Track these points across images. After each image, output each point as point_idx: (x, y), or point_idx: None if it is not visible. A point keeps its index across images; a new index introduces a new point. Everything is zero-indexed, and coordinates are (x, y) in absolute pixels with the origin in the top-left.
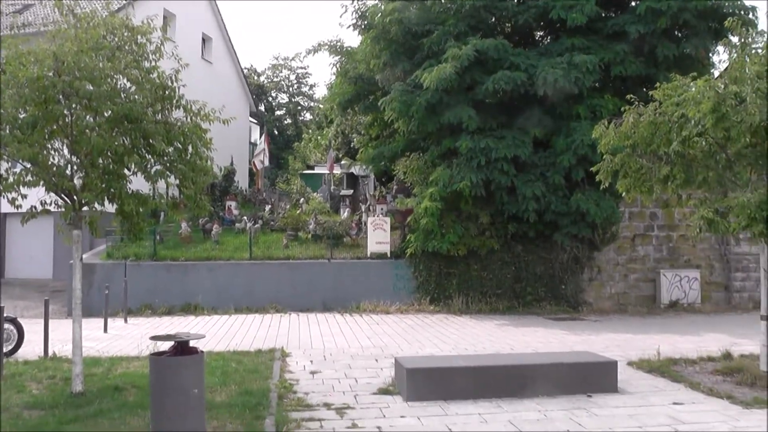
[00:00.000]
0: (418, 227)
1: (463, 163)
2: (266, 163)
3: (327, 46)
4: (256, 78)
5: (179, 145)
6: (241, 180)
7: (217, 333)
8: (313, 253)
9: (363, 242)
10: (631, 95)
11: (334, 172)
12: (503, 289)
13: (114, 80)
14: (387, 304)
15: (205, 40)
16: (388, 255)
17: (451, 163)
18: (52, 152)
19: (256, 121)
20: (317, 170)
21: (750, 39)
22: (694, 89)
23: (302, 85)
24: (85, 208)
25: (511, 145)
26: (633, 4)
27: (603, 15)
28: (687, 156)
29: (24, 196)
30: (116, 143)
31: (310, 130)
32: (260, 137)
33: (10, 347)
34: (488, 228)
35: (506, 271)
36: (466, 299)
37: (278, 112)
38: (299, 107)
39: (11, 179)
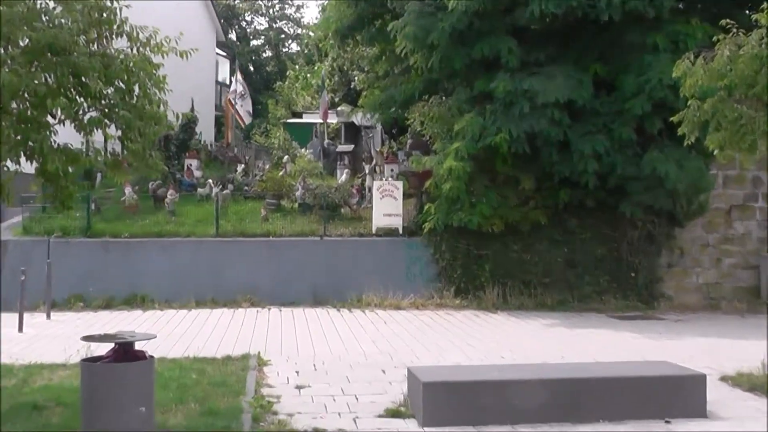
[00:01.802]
0: (440, 194)
1: (499, 110)
2: (247, 113)
3: None
4: None
5: (121, 85)
6: (205, 131)
7: (173, 333)
8: (300, 228)
9: (367, 214)
10: (727, 20)
11: (329, 121)
12: (552, 277)
13: None
14: (398, 297)
15: None
16: (400, 231)
17: (484, 110)
18: None
19: (225, 54)
20: (306, 119)
21: None
22: None
23: (287, 6)
24: None
25: (564, 86)
26: None
27: None
28: None
29: None
30: (36, 82)
31: (297, 66)
32: (234, 75)
33: None
34: (533, 196)
35: (556, 253)
36: (502, 290)
37: (255, 42)
38: (282, 36)
39: None
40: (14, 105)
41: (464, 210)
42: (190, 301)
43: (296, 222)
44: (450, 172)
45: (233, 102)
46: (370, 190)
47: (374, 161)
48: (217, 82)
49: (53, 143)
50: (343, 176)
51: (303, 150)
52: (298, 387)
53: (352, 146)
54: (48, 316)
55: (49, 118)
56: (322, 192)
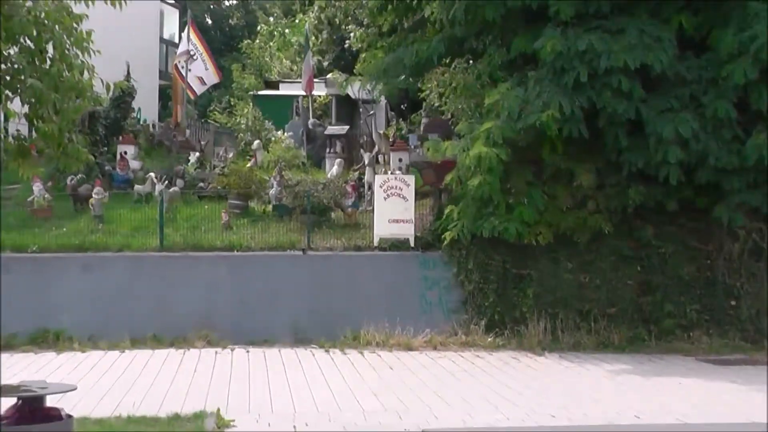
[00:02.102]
0: (466, 193)
1: (546, 78)
2: (208, 79)
3: None
4: None
5: (29, 44)
6: (146, 107)
7: (99, 383)
8: (275, 239)
9: (366, 220)
10: None
11: (315, 94)
12: (620, 306)
13: None
14: (409, 333)
15: None
16: (411, 243)
17: (526, 79)
18: None
19: (173, 3)
20: (284, 91)
21: None
22: None
23: None
24: None
25: (636, 45)
26: None
27: None
28: None
29: None
30: None
31: (272, 19)
32: (185, 31)
33: None
34: (592, 196)
35: (625, 273)
36: (551, 324)
37: None
38: None
39: None
40: None
41: (499, 215)
42: (123, 339)
43: (270, 231)
44: (479, 162)
45: (181, 67)
46: (370, 187)
47: (376, 148)
48: (162, 40)
49: None
50: (334, 169)
51: (280, 133)
52: None
53: (347, 128)
54: None
55: None
56: (305, 190)
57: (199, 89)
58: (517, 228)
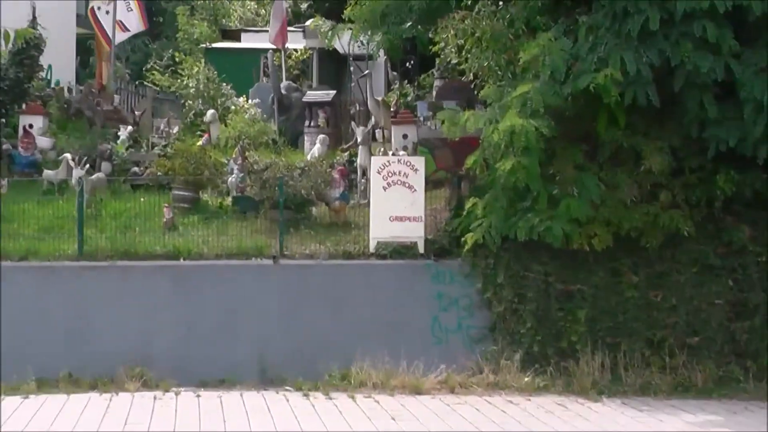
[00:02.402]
0: (493, 181)
1: (604, 24)
2: (131, 25)
3: None
4: None
5: None
6: (60, 65)
7: None
8: (236, 243)
9: (360, 218)
10: None
11: (290, 47)
12: (706, 333)
13: None
14: (417, 370)
15: None
16: (420, 249)
17: (575, 26)
18: None
19: None
20: (247, 43)
21: None
22: None
23: None
24: None
25: None
26: None
27: None
28: None
29: None
30: None
31: None
32: None
33: None
34: (665, 184)
35: (712, 288)
36: (610, 358)
37: None
38: None
39: None
40: None
41: (539, 210)
42: (26, 380)
43: (229, 232)
44: (512, 139)
45: (97, 8)
46: (365, 173)
47: (373, 120)
48: None
49: None
50: (315, 148)
51: (242, 100)
52: None
53: (333, 93)
54: None
55: None
56: (276, 177)
57: (118, 37)
58: (564, 228)
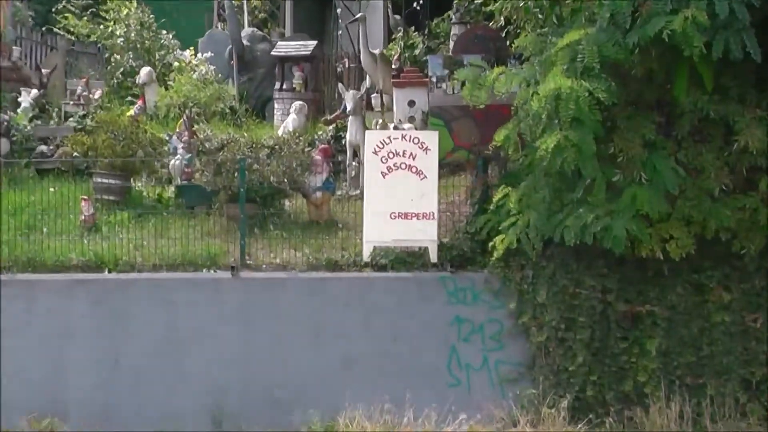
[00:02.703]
0: (532, 163)
1: None
2: None
3: None
4: None
5: None
6: None
7: None
8: (182, 250)
9: (350, 215)
10: None
11: None
12: None
13: None
14: (429, 420)
15: None
16: (433, 258)
17: None
18: None
19: None
20: None
21: None
22: None
23: None
24: None
25: None
26: None
27: None
28: None
29: None
30: None
31: None
32: None
33: None
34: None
35: None
36: (693, 405)
37: None
38: None
39: None
40: None
41: (595, 203)
42: None
43: (171, 234)
44: (557, 105)
45: None
46: (356, 154)
47: (367, 82)
48: None
49: None
50: (290, 119)
51: (188, 53)
52: None
53: (313, 45)
54: None
55: None
56: (236, 159)
57: None
58: (629, 228)
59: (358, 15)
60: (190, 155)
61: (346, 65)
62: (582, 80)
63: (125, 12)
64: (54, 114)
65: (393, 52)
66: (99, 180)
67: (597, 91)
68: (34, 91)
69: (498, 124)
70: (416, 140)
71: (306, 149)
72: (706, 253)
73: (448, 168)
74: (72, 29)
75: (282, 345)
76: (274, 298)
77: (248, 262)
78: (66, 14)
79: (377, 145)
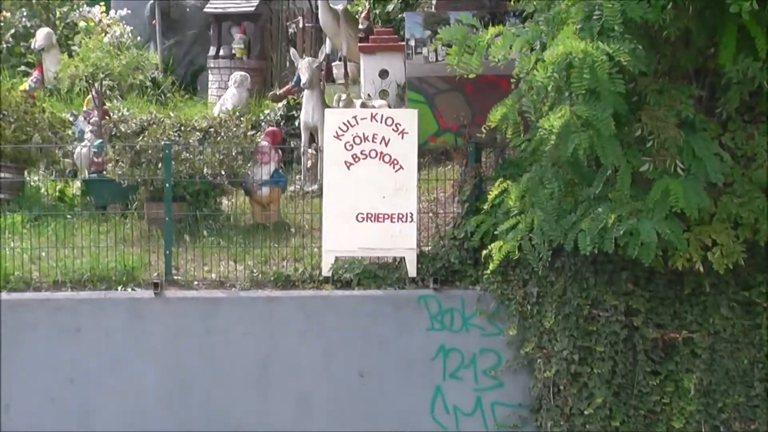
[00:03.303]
0: (536, 151)
1: None
2: None
3: None
4: None
5: None
6: None
7: None
8: (89, 262)
9: (305, 216)
10: None
11: None
12: None
13: None
14: None
15: None
16: (412, 272)
17: None
18: None
19: None
20: None
21: None
22: None
23: None
24: None
25: None
26: None
27: None
28: None
29: None
30: None
31: None
32: None
33: None
34: None
35: None
36: None
37: None
38: None
39: None
40: None
41: (616, 199)
42: None
43: (77, 242)
44: (569, 75)
45: None
46: (314, 138)
47: (327, 47)
48: None
49: None
50: (229, 95)
51: (97, 10)
52: None
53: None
54: None
55: None
56: (160, 146)
57: None
58: (661, 232)
59: None
60: (100, 141)
61: (301, 25)
62: (599, 42)
63: None
64: None
65: (360, 9)
66: None
67: (619, 54)
68: None
69: (493, 99)
70: (390, 121)
71: (249, 133)
72: (759, 264)
73: (430, 156)
74: None
75: (219, 384)
76: (208, 324)
77: (175, 277)
78: None
79: (340, 128)
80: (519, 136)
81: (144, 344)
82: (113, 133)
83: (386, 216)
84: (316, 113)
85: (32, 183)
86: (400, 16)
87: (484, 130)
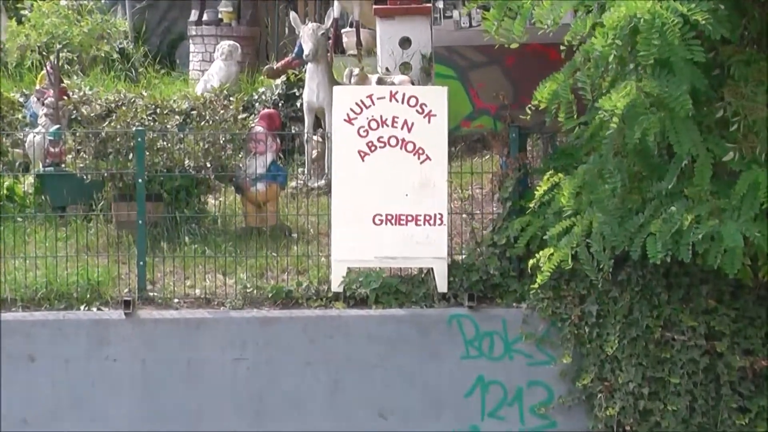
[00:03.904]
0: (595, 136)
1: None
2: None
3: None
4: None
5: None
6: None
7: None
8: (46, 276)
9: (310, 221)
10: None
11: None
12: None
13: None
14: None
15: None
16: (442, 286)
17: None
18: None
19: None
20: None
21: None
22: None
23: None
24: None
25: None
26: None
27: None
28: None
29: None
30: None
31: None
32: None
33: None
34: None
35: None
36: None
37: None
38: None
39: None
40: None
41: (694, 197)
42: None
43: (28, 251)
44: (633, 39)
45: None
46: (321, 122)
47: (335, 9)
48: None
49: None
50: (214, 70)
51: None
52: None
53: None
54: None
55: None
56: (130, 134)
57: None
58: (749, 237)
59: None
60: (57, 127)
61: None
62: (672, 0)
63: None
64: None
65: None
66: None
67: (695, 14)
68: None
69: (541, 74)
70: (413, 101)
71: (240, 116)
72: None
73: (463, 144)
74: None
75: (204, 425)
76: (191, 352)
77: (151, 294)
78: None
79: (352, 109)
80: (573, 118)
81: (112, 376)
82: (73, 116)
83: (410, 218)
84: (322, 92)
85: None
86: None
87: (530, 112)
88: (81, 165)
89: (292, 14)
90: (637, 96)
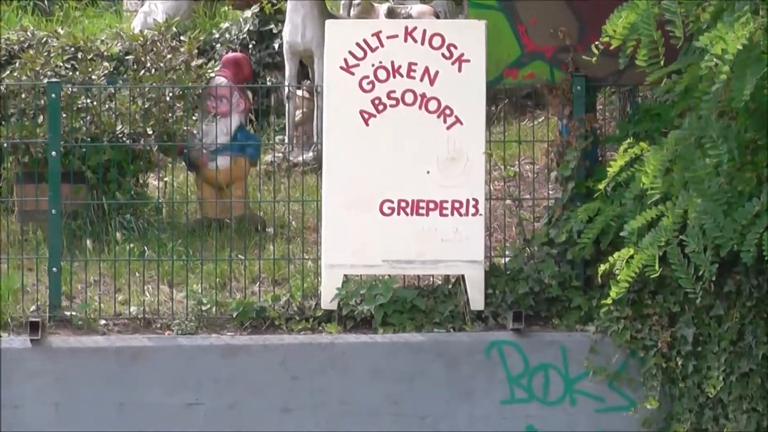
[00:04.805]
0: (691, 92)
1: None
2: None
3: None
4: None
5: None
6: None
7: None
8: None
9: (291, 210)
10: None
11: None
12: None
13: None
14: None
15: None
16: (476, 303)
17: None
18: None
19: None
20: None
21: None
22: None
23: None
24: None
25: None
26: None
27: None
28: None
29: None
30: None
31: None
32: None
33: None
34: None
35: None
36: None
37: None
38: None
39: None
40: None
41: None
42: None
43: None
44: None
45: None
46: (309, 73)
47: None
48: None
49: None
50: None
51: None
52: None
53: None
54: None
55: None
56: (41, 88)
57: None
58: None
59: None
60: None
61: None
62: None
63: None
64: None
65: None
66: None
67: None
68: None
69: (614, 3)
70: (438, 41)
71: (195, 63)
72: None
73: (508, 102)
74: None
75: None
76: (123, 393)
77: (68, 313)
78: None
79: (352, 53)
80: (659, 65)
81: (12, 428)
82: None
83: (433, 205)
84: (310, 28)
85: None
86: None
87: (597, 50)
88: None
89: None
90: (755, 32)
